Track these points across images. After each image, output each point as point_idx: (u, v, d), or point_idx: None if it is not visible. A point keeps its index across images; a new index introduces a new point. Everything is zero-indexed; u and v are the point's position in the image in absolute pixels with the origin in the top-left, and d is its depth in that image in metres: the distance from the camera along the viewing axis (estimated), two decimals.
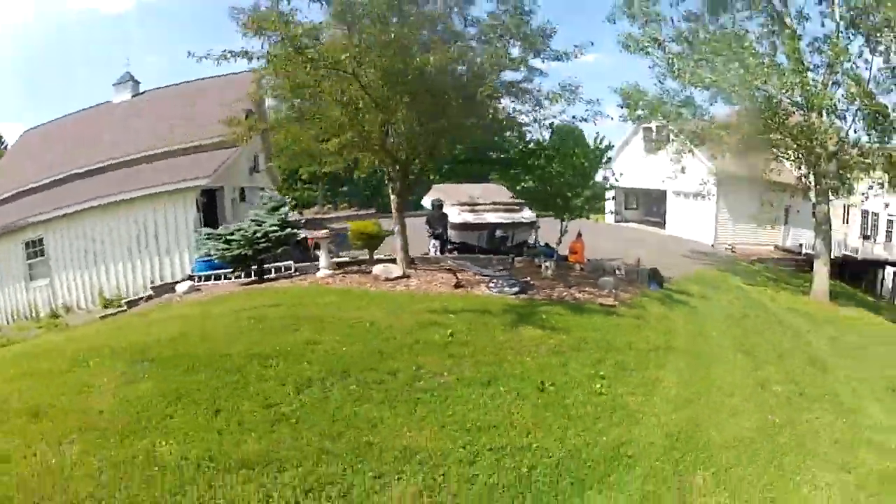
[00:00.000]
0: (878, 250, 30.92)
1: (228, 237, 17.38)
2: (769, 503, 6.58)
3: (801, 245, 28.22)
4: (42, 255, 21.13)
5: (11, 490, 5.79)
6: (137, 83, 27.71)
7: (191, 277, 19.04)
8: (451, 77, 14.92)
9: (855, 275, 28.48)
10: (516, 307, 13.04)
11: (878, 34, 19.07)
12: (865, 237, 32.19)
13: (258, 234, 17.25)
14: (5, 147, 52.03)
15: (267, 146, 26.52)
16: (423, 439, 6.98)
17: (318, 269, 16.88)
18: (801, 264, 26.48)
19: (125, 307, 18.52)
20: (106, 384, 8.79)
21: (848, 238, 31.16)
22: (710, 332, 13.33)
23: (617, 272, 17.82)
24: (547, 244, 22.16)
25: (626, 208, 38.13)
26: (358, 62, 13.48)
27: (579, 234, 20.27)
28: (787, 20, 20.33)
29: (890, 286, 29.13)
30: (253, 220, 17.92)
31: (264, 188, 26.75)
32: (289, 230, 18.20)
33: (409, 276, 15.94)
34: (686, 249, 26.75)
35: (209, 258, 19.22)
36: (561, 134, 24.47)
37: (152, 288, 19.35)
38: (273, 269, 18.29)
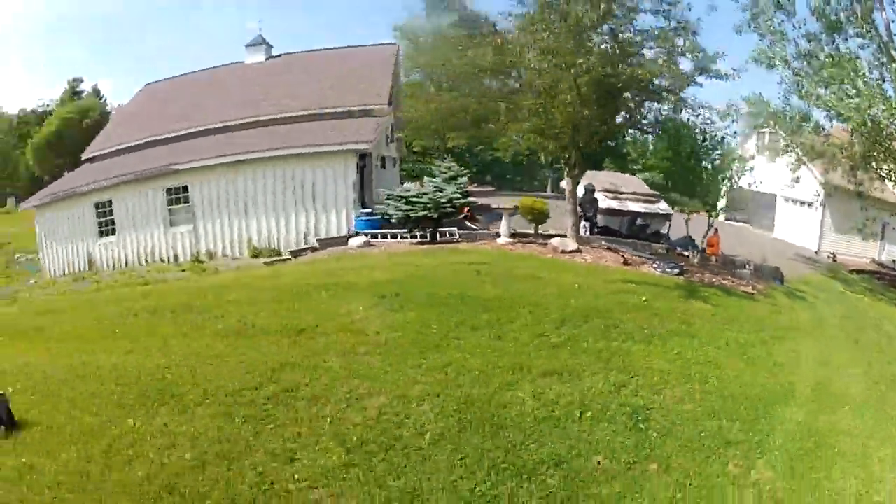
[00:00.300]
0: None
1: (413, 199, 18.14)
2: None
3: (894, 260, 28.37)
4: (185, 201, 20.33)
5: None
6: (270, 46, 27.17)
7: (356, 234, 19.06)
8: (638, 85, 16.24)
9: None
10: (681, 286, 14.59)
11: None
12: None
13: (443, 200, 18.10)
14: (105, 101, 51.62)
15: (397, 119, 26.04)
16: (664, 364, 8.78)
17: (498, 236, 18.42)
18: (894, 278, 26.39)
19: (290, 256, 18.31)
20: (363, 313, 9.62)
21: None
22: (827, 321, 14.83)
23: (746, 267, 19.23)
24: (689, 236, 23.38)
25: (736, 209, 37.82)
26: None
27: (716, 230, 22.09)
28: (893, 52, 20.11)
29: None
30: (436, 187, 18.69)
31: (395, 158, 27.17)
32: (470, 198, 19.39)
33: (581, 251, 16.98)
34: (792, 253, 27.29)
35: (369, 217, 19.45)
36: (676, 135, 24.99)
37: (318, 240, 19.19)
38: (438, 234, 18.86)
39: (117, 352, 8.22)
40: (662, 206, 24.20)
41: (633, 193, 24.74)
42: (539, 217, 19.74)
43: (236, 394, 6.75)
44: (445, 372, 7.57)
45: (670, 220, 24.56)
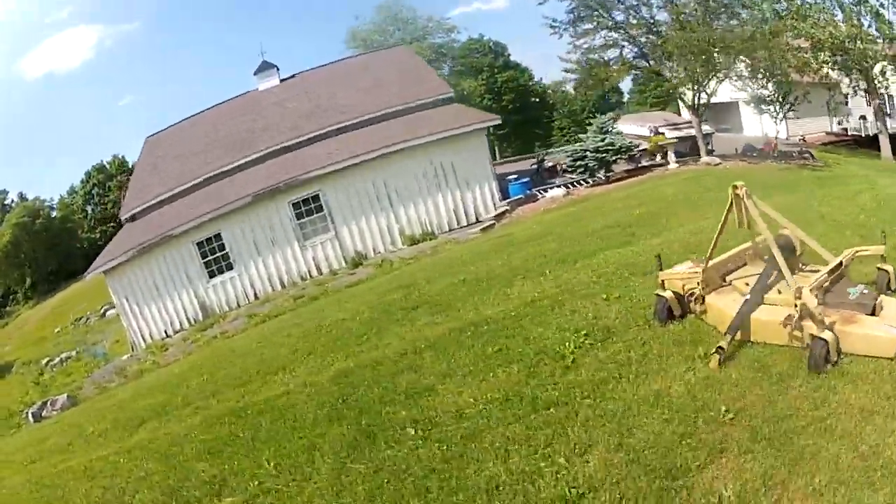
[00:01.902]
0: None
1: (606, 148, 21.47)
2: None
3: (845, 129, 35.91)
4: (317, 211, 18.92)
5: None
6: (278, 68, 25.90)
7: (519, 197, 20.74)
8: None
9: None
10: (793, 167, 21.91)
11: None
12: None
13: (622, 146, 21.74)
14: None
15: None
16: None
17: (668, 165, 21.91)
18: (850, 143, 34.21)
19: (489, 223, 18.62)
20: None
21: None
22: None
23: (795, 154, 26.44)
24: (749, 144, 28.71)
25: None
26: None
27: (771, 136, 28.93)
28: None
29: None
30: (594, 138, 21.86)
31: None
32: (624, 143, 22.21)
33: (721, 163, 21.58)
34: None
35: (520, 181, 20.72)
36: None
37: (507, 203, 19.96)
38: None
39: None
40: (706, 128, 27.60)
41: (676, 124, 29.57)
42: (663, 149, 22.83)
43: None
44: None
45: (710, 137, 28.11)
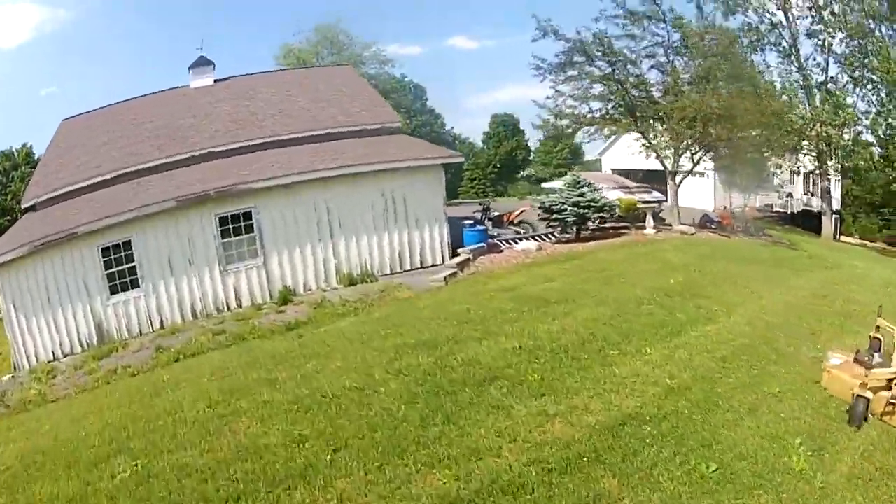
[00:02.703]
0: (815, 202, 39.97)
1: (588, 204, 20.75)
2: None
3: (769, 205, 38.55)
4: (247, 231, 16.64)
5: None
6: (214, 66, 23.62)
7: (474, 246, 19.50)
8: None
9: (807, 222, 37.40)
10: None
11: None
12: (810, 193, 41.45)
13: (602, 203, 21.26)
14: None
15: None
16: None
17: (646, 229, 22.48)
18: (776, 218, 37.02)
19: (450, 271, 17.16)
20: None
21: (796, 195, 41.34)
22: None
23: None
24: (706, 214, 29.77)
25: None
26: None
27: (725, 207, 31.17)
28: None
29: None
30: (569, 194, 21.17)
31: None
32: (607, 201, 21.81)
33: (695, 233, 23.55)
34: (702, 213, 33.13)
35: (474, 227, 20.24)
36: None
37: (470, 251, 18.92)
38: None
39: None
40: (655, 195, 28.13)
41: (633, 187, 29.08)
42: (636, 213, 23.89)
43: None
44: None
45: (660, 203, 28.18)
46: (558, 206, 20.54)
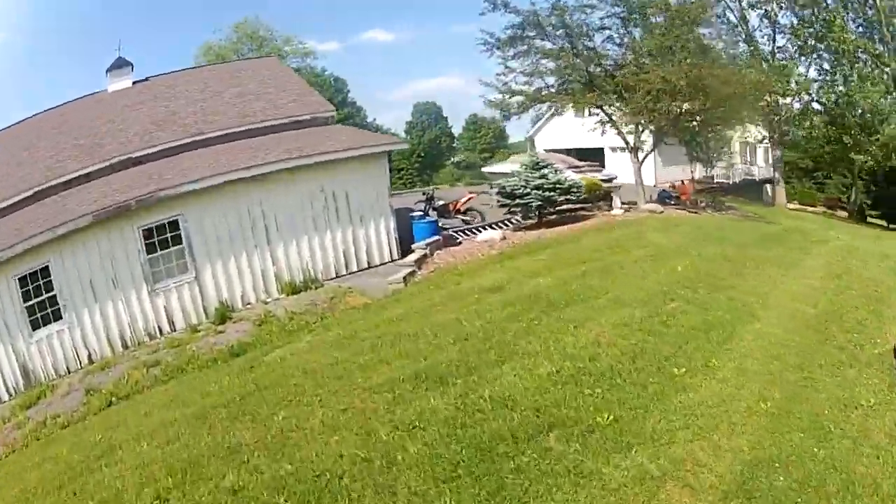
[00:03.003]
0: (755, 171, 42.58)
1: (554, 186, 19.60)
2: None
3: (709, 176, 38.70)
4: (176, 243, 15.19)
5: None
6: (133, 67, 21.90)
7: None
8: None
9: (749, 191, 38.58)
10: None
11: None
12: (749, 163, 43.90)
13: (568, 185, 20.02)
14: None
15: None
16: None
17: (612, 210, 22.15)
18: (719, 189, 36.70)
19: (407, 269, 15.78)
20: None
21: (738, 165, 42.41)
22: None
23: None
24: (664, 189, 29.93)
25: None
26: None
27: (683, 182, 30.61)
28: None
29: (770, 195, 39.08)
30: (530, 177, 19.84)
31: None
32: (572, 182, 20.73)
33: (663, 211, 22.85)
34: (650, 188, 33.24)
35: (424, 219, 18.67)
36: None
37: (426, 245, 17.43)
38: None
39: None
40: (607, 172, 28.41)
41: (582, 167, 28.96)
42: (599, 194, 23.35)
43: None
44: None
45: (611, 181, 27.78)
46: (521, 190, 19.33)
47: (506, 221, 20.63)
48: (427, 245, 17.04)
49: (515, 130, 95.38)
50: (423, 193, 22.56)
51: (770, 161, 38.39)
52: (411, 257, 16.35)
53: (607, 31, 23.84)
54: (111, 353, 14.53)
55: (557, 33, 23.03)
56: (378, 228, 16.93)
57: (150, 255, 14.95)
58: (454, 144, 70.48)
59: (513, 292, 11.82)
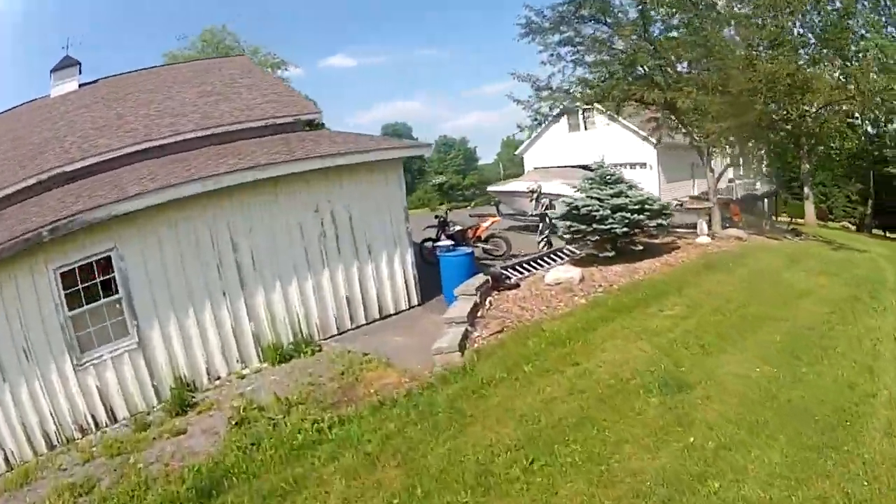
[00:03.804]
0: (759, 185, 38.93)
1: (597, 214, 14.29)
2: None
3: (704, 192, 35.78)
4: (109, 292, 10.59)
5: None
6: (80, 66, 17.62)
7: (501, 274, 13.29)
8: None
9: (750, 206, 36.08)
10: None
11: None
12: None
13: (637, 208, 14.58)
14: None
15: None
16: None
17: (697, 238, 17.50)
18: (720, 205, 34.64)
19: (458, 323, 10.77)
20: None
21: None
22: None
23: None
24: None
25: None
26: None
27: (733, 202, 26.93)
28: None
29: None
30: (601, 193, 14.89)
31: None
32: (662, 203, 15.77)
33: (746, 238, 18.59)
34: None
35: (456, 251, 13.70)
36: None
37: (476, 291, 12.06)
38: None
39: None
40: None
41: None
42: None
43: None
44: None
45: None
46: (598, 212, 14.44)
47: (561, 252, 15.78)
48: (476, 290, 11.81)
49: (486, 153, 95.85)
50: (436, 217, 17.78)
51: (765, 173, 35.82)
52: (457, 309, 11.12)
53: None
54: (32, 456, 9.90)
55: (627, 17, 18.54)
56: (392, 264, 12.52)
57: (72, 311, 10.33)
58: (426, 167, 67.12)
59: (699, 391, 7.45)
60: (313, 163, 11.35)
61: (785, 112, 18.34)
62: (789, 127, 20.63)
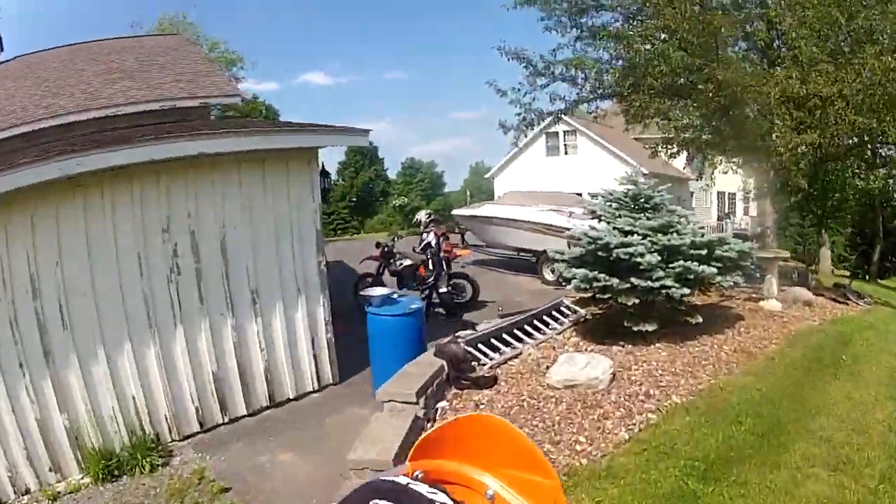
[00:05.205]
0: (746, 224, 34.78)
1: (635, 262, 8.27)
2: None
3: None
4: None
5: None
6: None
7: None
8: None
9: None
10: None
11: None
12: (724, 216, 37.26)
13: (702, 255, 8.75)
14: None
15: None
16: None
17: (766, 300, 11.89)
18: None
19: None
20: None
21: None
22: None
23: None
24: None
25: None
26: None
27: None
28: None
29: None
30: (643, 225, 8.82)
31: None
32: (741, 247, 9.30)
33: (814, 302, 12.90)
34: None
35: (393, 303, 8.20)
36: None
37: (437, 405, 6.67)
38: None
39: None
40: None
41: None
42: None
43: None
44: None
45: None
46: (643, 257, 8.23)
47: (557, 310, 10.15)
48: (419, 393, 6.39)
49: (453, 182, 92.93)
50: (377, 246, 12.77)
51: (753, 213, 31.30)
52: (378, 435, 5.74)
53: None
54: None
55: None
56: (293, 320, 7.82)
57: None
58: (389, 189, 66.07)
59: None
60: (153, 147, 6.74)
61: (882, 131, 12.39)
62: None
